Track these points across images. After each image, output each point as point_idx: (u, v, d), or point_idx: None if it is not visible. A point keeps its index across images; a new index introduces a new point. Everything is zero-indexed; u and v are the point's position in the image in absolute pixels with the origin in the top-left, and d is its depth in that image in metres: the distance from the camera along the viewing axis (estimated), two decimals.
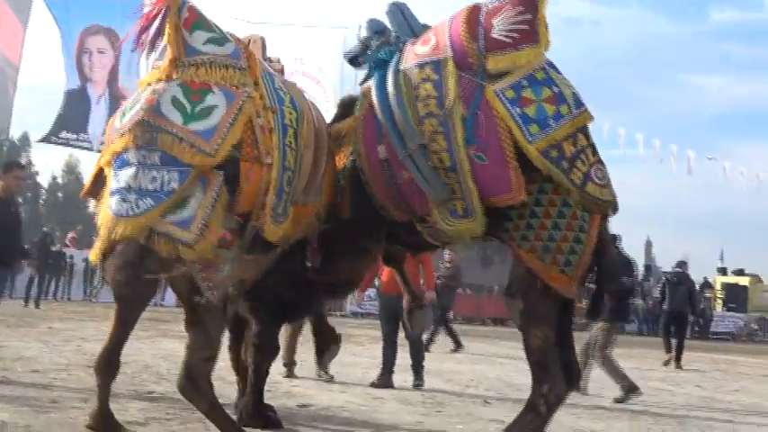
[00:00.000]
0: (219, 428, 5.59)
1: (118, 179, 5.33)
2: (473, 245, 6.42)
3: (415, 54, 6.01)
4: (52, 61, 25.25)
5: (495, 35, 5.77)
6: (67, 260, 25.97)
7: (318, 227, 6.27)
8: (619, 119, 77.39)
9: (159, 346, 12.36)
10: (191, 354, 5.52)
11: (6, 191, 8.66)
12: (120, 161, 5.39)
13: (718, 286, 38.74)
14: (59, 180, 74.98)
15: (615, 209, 5.78)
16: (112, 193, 5.33)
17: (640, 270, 45.26)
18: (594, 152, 5.70)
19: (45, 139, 25.09)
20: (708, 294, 37.80)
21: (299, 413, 7.30)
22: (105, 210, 5.36)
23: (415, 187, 5.79)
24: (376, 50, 6.35)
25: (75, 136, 25.47)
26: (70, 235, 30.03)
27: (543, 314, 5.62)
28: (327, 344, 7.43)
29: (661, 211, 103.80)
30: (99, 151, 25.13)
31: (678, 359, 16.60)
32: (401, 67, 6.00)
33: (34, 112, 72.31)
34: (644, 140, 31.53)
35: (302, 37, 27.93)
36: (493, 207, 5.63)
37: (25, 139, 62.23)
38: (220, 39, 5.82)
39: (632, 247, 52.59)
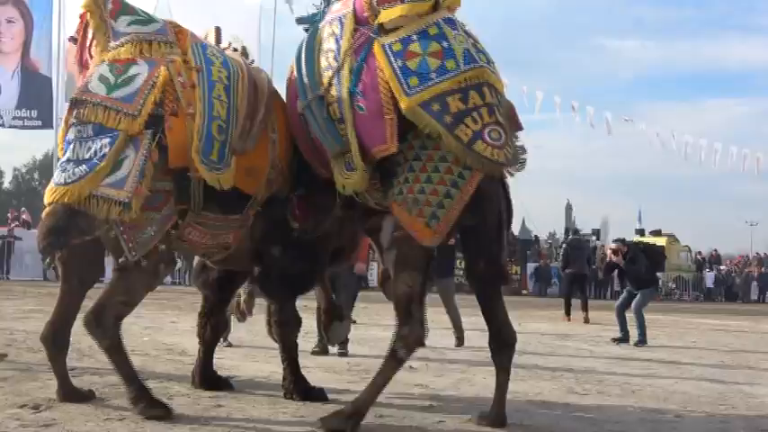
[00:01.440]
0: (116, 367, 5.77)
1: (64, 155, 5.74)
2: None
3: (330, 11, 6.18)
4: None
5: None
6: None
7: (286, 184, 6.41)
8: (537, 83, 77.99)
9: (80, 324, 12.19)
10: (106, 294, 5.76)
11: None
12: (65, 144, 5.80)
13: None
14: None
15: (519, 168, 5.78)
16: (59, 166, 5.70)
17: (560, 233, 46.17)
18: (492, 113, 5.61)
19: None
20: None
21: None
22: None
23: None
24: (312, 14, 6.43)
25: None
26: None
27: (413, 262, 5.67)
28: (330, 322, 7.49)
29: (581, 173, 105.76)
30: (11, 127, 24.32)
31: (586, 314, 18.56)
32: (318, 26, 6.18)
33: None
34: (561, 103, 31.88)
35: (215, 6, 27.50)
36: (374, 160, 5.74)
37: None
38: (145, 20, 6.19)
39: (554, 211, 53.47)
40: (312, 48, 6.08)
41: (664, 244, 39.10)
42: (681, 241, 41.11)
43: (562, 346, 12.43)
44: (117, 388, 6.65)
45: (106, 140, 5.57)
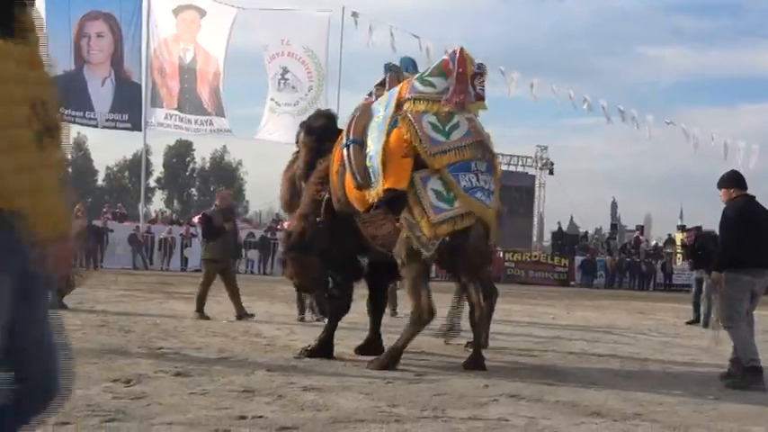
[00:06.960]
0: (408, 336, 7.31)
1: (466, 179, 7.21)
2: None
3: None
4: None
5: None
6: None
7: None
8: (583, 89, 76.57)
9: (166, 306, 12.41)
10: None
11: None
12: (458, 167, 7.22)
13: (678, 242, 38.93)
14: (69, 156, 75.44)
15: None
16: (471, 189, 7.19)
17: (606, 229, 45.66)
18: None
19: None
20: (669, 250, 38.05)
21: (298, 365, 7.29)
22: (474, 202, 7.18)
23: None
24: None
25: (81, 113, 25.36)
26: (77, 206, 29.81)
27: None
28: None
29: (625, 173, 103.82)
30: (104, 127, 24.56)
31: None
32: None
33: None
34: (607, 108, 31.48)
35: (288, 20, 27.73)
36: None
37: None
38: None
39: (600, 208, 52.67)
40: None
41: None
42: None
43: (607, 332, 12.27)
44: (199, 365, 6.77)
45: (490, 177, 7.41)
